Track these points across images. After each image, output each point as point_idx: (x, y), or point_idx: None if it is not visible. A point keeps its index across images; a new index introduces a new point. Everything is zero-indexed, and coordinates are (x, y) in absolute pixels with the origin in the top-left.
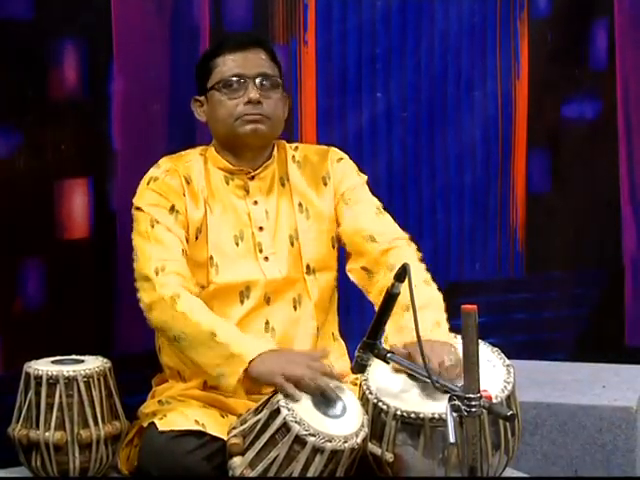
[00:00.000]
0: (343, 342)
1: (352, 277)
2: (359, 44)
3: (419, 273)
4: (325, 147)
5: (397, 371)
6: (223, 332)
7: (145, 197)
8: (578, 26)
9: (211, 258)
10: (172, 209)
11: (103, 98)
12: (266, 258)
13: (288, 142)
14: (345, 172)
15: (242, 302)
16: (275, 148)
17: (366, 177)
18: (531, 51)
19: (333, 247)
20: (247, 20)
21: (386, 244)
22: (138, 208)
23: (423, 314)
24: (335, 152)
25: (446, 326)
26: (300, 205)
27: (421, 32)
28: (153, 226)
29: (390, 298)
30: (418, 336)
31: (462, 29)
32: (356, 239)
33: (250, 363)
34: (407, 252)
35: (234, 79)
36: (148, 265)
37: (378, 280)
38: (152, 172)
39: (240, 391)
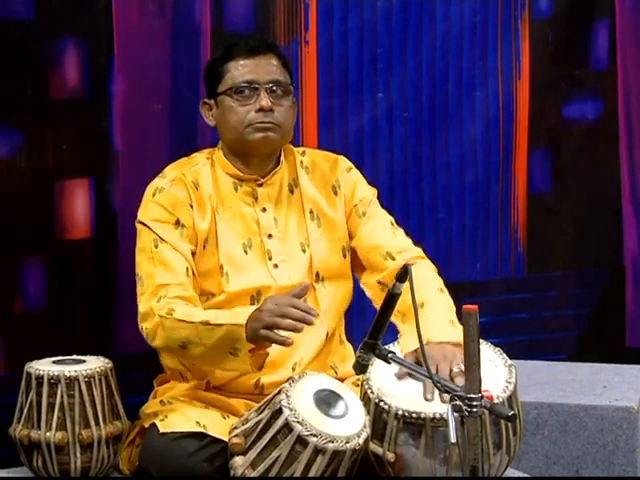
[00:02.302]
0: (350, 345)
1: (367, 290)
2: (360, 44)
3: (434, 282)
4: (334, 155)
5: (400, 378)
6: (215, 317)
7: (150, 211)
8: (579, 26)
9: (221, 267)
10: (177, 223)
11: (104, 98)
12: (276, 265)
13: (290, 143)
14: (356, 183)
15: (252, 305)
16: (282, 154)
17: (376, 190)
18: (532, 51)
19: (344, 256)
20: (248, 20)
21: (403, 261)
22: (142, 222)
23: (438, 313)
24: (344, 161)
25: (460, 328)
26: (311, 212)
27: (422, 32)
28: (157, 246)
29: (391, 298)
30: (419, 335)
31: (463, 29)
32: (372, 255)
33: (246, 325)
34: (424, 266)
35: (245, 85)
36: (151, 292)
37: None
38: (157, 182)
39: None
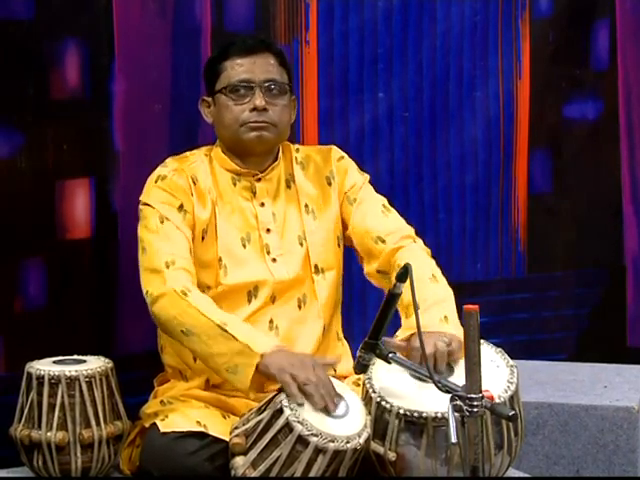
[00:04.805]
0: (346, 342)
1: (372, 281)
2: (361, 44)
3: (427, 269)
4: (326, 147)
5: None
6: (234, 326)
7: (154, 194)
8: (580, 26)
9: (220, 260)
10: (180, 208)
11: (104, 98)
12: (274, 260)
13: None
14: (346, 170)
15: (249, 301)
16: (280, 150)
17: (368, 176)
18: (533, 51)
19: (338, 246)
20: (249, 20)
21: (393, 244)
22: (146, 204)
23: (430, 312)
24: (336, 151)
25: (455, 319)
26: (306, 206)
27: (423, 32)
28: (163, 222)
29: (392, 298)
30: (420, 337)
31: (464, 29)
32: (365, 241)
33: (263, 356)
34: (415, 250)
35: (241, 84)
36: (158, 258)
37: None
38: (159, 171)
39: (251, 386)
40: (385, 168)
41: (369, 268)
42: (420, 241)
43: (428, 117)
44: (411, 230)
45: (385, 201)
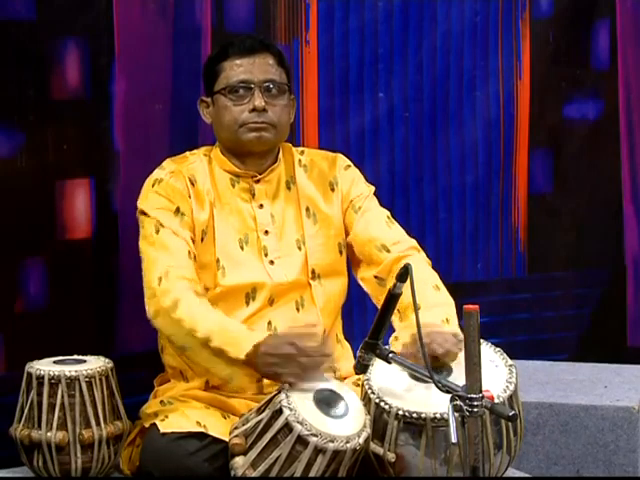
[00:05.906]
0: (347, 344)
1: (364, 285)
2: (361, 44)
3: (431, 279)
4: (332, 153)
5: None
6: (217, 339)
7: (150, 200)
8: (580, 26)
9: (218, 261)
10: (177, 211)
11: (105, 98)
12: (271, 262)
13: (290, 143)
14: (354, 180)
15: (247, 303)
16: (280, 151)
17: (374, 188)
18: (533, 51)
19: (341, 253)
20: (249, 20)
21: (398, 253)
22: (143, 212)
23: (432, 312)
24: (343, 159)
25: (456, 323)
26: (307, 210)
27: (423, 32)
28: (158, 231)
29: (392, 298)
30: (420, 336)
31: (464, 29)
32: (367, 248)
33: (247, 356)
34: (419, 260)
35: (240, 85)
36: (152, 273)
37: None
38: (156, 174)
39: (251, 387)
40: (385, 168)
41: (365, 273)
42: (423, 253)
43: (428, 117)
44: (415, 242)
45: (389, 213)
